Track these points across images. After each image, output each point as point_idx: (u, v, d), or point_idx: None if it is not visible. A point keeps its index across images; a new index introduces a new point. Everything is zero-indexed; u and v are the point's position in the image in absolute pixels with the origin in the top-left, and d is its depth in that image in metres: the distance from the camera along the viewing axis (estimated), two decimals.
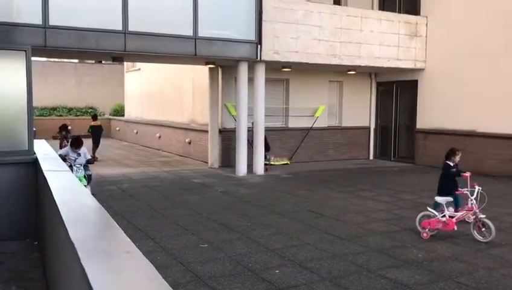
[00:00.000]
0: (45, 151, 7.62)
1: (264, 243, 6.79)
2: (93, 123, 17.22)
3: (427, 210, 7.27)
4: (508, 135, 12.78)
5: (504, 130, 12.86)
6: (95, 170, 14.08)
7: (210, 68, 14.33)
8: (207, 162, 14.95)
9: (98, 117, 19.09)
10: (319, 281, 5.37)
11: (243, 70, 12.84)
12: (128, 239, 2.57)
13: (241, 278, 5.40)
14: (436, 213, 7.11)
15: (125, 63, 24.50)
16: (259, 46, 12.61)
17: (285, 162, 15.40)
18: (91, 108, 29.37)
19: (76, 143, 8.92)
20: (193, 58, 12.66)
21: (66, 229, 2.79)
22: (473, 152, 13.73)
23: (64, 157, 8.35)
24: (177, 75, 17.92)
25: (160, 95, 20.23)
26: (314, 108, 16.00)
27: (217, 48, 12.19)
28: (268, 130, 14.12)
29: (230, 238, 7.02)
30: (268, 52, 12.76)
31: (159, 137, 20.14)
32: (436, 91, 14.98)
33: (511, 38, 12.69)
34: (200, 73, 15.49)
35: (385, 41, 14.58)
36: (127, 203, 9.51)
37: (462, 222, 7.16)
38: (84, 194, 4.18)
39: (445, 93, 14.63)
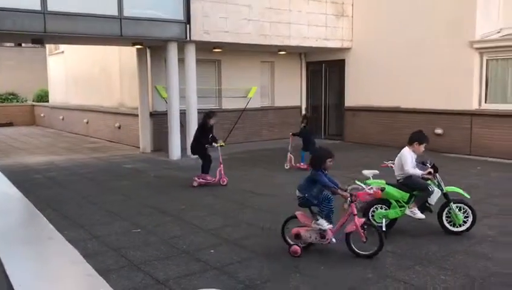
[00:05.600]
0: None
1: (198, 224, 6.76)
2: None
3: (355, 183, 7.53)
4: (428, 110, 13.51)
5: (425, 106, 13.58)
6: (16, 158, 13.33)
7: (138, 49, 13.88)
8: (139, 147, 14.58)
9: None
10: (254, 257, 5.44)
11: (173, 51, 12.56)
12: (52, 226, 2.46)
13: (175, 260, 5.35)
14: (364, 186, 7.39)
15: (47, 45, 23.19)
16: (188, 26, 12.35)
17: (220, 144, 15.32)
18: (12, 94, 27.62)
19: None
20: (119, 39, 12.19)
21: None
22: (398, 128, 14.41)
23: None
24: (104, 57, 17.21)
25: (86, 79, 19.36)
26: (247, 89, 16.02)
27: (144, 28, 11.81)
28: (201, 112, 13.93)
29: (164, 222, 6.93)
30: (198, 32, 12.56)
31: (87, 122, 19.36)
32: (362, 70, 15.49)
33: (433, 18, 13.31)
34: (128, 54, 14.97)
35: (313, 21, 14.81)
36: (54, 192, 9.09)
37: None
38: (3, 182, 3.93)
39: (371, 72, 15.17)
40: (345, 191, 5.54)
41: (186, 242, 6.00)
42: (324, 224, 5.41)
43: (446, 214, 6.15)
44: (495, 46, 12.25)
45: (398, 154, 6.33)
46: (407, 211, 6.12)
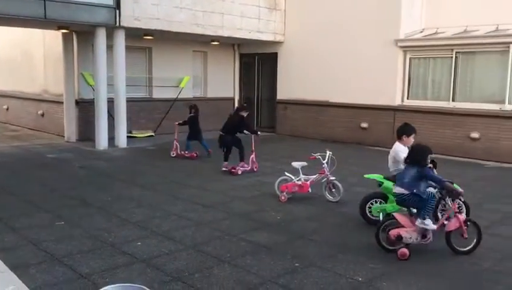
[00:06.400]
0: None
1: (125, 216, 6.59)
2: None
3: (285, 175, 7.70)
4: (355, 104, 14.02)
5: (352, 100, 14.07)
6: None
7: (63, 33, 13.22)
8: (63, 136, 13.95)
9: None
10: (183, 249, 5.39)
11: (101, 36, 12.07)
12: None
13: (100, 253, 5.18)
14: (293, 177, 7.57)
15: None
16: (117, 11, 11.92)
17: (150, 134, 15.05)
18: None
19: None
20: (43, 22, 11.53)
21: None
22: (327, 121, 14.86)
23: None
24: (27, 41, 16.21)
25: (6, 63, 18.15)
26: (178, 78, 15.78)
27: (70, 12, 11.24)
28: (131, 101, 13.58)
29: (88, 214, 6.68)
30: (128, 18, 12.16)
31: (7, 109, 18.22)
32: (294, 64, 15.75)
33: (361, 16, 13.77)
34: (53, 38, 14.23)
35: (246, 13, 14.83)
36: None
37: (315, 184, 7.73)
38: None
39: (302, 66, 15.46)
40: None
41: (112, 235, 5.82)
42: (431, 224, 5.24)
43: (440, 208, 6.14)
44: (417, 45, 12.92)
45: (391, 151, 6.31)
46: None
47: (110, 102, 12.66)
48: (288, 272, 4.81)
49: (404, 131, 6.30)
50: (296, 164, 7.69)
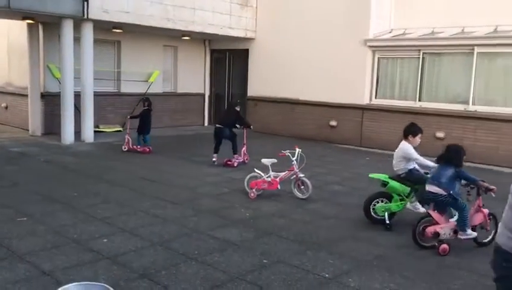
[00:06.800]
0: None
1: (91, 212, 6.46)
2: None
3: (255, 171, 7.70)
4: (325, 102, 14.16)
5: (322, 99, 14.20)
6: None
7: (29, 24, 12.84)
8: (28, 130, 13.56)
9: None
10: (149, 246, 5.32)
11: (68, 28, 11.78)
12: None
13: (64, 250, 5.07)
14: (262, 174, 7.58)
15: None
16: (85, 2, 11.64)
17: (118, 129, 14.80)
18: None
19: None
20: (6, 12, 11.14)
21: None
22: (297, 118, 14.95)
23: None
24: None
25: None
26: (148, 73, 15.57)
27: (36, 2, 10.88)
28: (98, 95, 13.31)
29: (53, 210, 6.52)
30: (96, 11, 11.90)
31: None
32: (264, 61, 15.76)
33: (331, 15, 13.88)
34: (17, 29, 13.80)
35: (218, 9, 14.75)
36: None
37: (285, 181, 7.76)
38: None
39: (272, 64, 15.49)
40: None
41: (77, 231, 5.70)
42: (473, 233, 5.52)
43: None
44: (386, 46, 13.13)
45: (398, 150, 6.35)
46: (409, 205, 6.21)
47: (77, 95, 12.38)
48: (256, 268, 4.82)
49: (410, 131, 6.39)
50: (266, 161, 7.71)
